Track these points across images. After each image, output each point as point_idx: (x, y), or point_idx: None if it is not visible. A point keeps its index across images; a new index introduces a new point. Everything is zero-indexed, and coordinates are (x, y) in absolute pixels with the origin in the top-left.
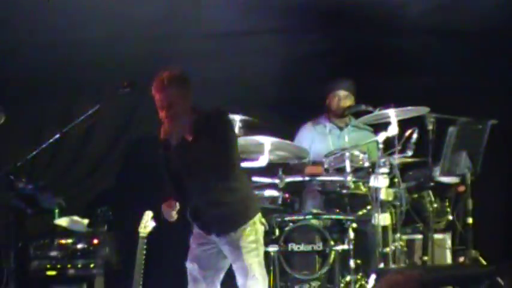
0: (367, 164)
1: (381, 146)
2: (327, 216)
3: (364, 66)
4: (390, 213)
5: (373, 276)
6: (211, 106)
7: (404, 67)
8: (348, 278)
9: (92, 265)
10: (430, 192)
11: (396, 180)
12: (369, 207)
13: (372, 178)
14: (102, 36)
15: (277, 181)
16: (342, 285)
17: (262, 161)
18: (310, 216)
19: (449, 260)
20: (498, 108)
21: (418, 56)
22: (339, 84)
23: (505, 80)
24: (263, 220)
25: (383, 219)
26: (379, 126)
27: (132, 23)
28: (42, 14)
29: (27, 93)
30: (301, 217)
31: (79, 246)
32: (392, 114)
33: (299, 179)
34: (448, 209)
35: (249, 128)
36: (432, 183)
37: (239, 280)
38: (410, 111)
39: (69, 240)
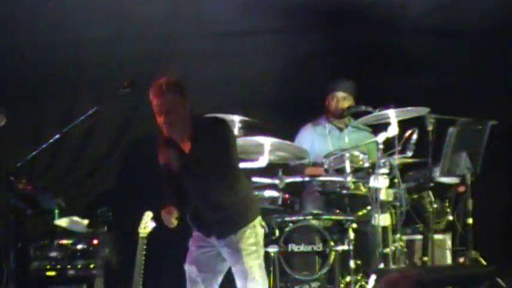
0: (367, 165)
1: (380, 146)
2: (327, 217)
3: (364, 66)
4: (390, 213)
5: (373, 277)
6: (209, 113)
7: (405, 67)
8: (348, 279)
9: (91, 266)
10: (430, 193)
11: (396, 180)
12: (368, 207)
13: (372, 179)
14: (102, 36)
15: (277, 182)
16: (342, 285)
17: (262, 162)
18: (310, 217)
19: (449, 260)
20: (498, 108)
21: (419, 56)
22: (337, 85)
23: (505, 80)
24: (263, 223)
25: (383, 219)
26: (379, 127)
27: (132, 23)
28: (42, 14)
29: (27, 94)
30: (301, 218)
31: (79, 246)
32: (392, 115)
33: (299, 179)
34: (448, 210)
35: (249, 129)
36: (432, 184)
37: (239, 283)
38: (410, 112)
39: (69, 241)
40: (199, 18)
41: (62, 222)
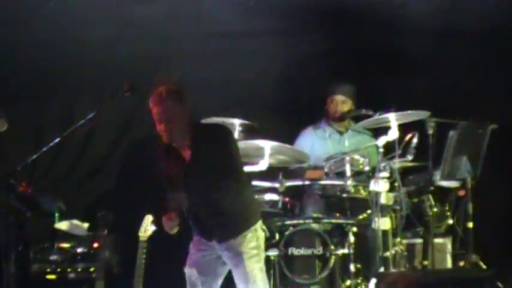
0: (367, 168)
1: (381, 150)
2: (327, 221)
3: (365, 68)
4: (390, 217)
5: (373, 281)
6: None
7: (406, 69)
8: (348, 282)
9: (92, 269)
10: (430, 197)
11: (396, 184)
12: (369, 211)
13: (372, 182)
14: (102, 37)
15: (277, 185)
16: None
17: (262, 165)
18: (311, 221)
19: (449, 264)
20: (499, 111)
21: (420, 57)
22: (336, 88)
23: (505, 83)
24: (263, 226)
25: (383, 223)
26: (380, 131)
27: (132, 24)
28: (43, 15)
29: (27, 94)
30: (301, 221)
31: (79, 250)
32: (393, 119)
33: (299, 183)
34: (448, 213)
35: (249, 132)
36: (432, 188)
37: (240, 286)
38: (411, 116)
39: (70, 244)
40: (199, 18)
41: (62, 225)
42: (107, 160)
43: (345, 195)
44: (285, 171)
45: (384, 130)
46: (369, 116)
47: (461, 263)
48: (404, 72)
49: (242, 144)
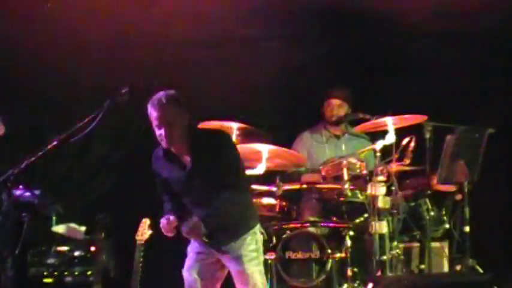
0: (364, 172)
1: (378, 154)
2: (324, 224)
3: (362, 72)
4: (387, 221)
5: (370, 285)
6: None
7: (403, 73)
8: (345, 286)
9: (89, 272)
10: (428, 201)
11: (393, 188)
12: (366, 215)
13: (369, 186)
14: (102, 41)
15: (274, 189)
16: None
17: (259, 169)
18: (308, 224)
19: (446, 268)
20: (496, 115)
21: (417, 62)
22: (332, 92)
23: (503, 87)
24: (262, 230)
25: (380, 227)
26: (377, 135)
27: (133, 29)
28: (42, 19)
29: (25, 98)
30: (298, 225)
31: (76, 253)
32: (390, 123)
33: (296, 186)
34: (445, 217)
35: (247, 136)
36: (429, 192)
37: None
38: (408, 120)
39: (67, 248)
40: (198, 24)
41: (60, 228)
42: (104, 164)
43: (342, 199)
44: (282, 175)
45: (381, 134)
46: (366, 120)
47: (458, 267)
48: (401, 76)
49: (239, 148)
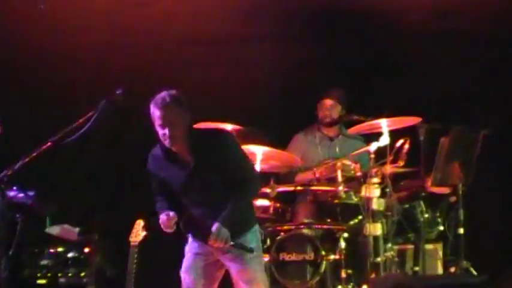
0: (358, 174)
1: (372, 155)
2: (319, 226)
3: (357, 74)
4: (382, 223)
5: (364, 287)
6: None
7: (397, 75)
8: None
9: (83, 274)
10: (422, 203)
11: (388, 190)
12: (360, 217)
13: (364, 188)
14: (98, 42)
15: (268, 190)
16: None
17: None
18: (302, 226)
19: (440, 270)
20: (490, 117)
21: (411, 64)
22: (325, 93)
23: (496, 89)
24: (261, 229)
25: (374, 229)
26: (371, 136)
27: (129, 30)
28: (37, 21)
29: (21, 100)
30: (292, 227)
31: (70, 254)
32: (384, 124)
33: (291, 188)
34: (440, 219)
35: (241, 137)
36: (424, 194)
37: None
38: (402, 121)
39: (61, 249)
40: (194, 25)
41: (53, 230)
42: (99, 166)
43: (336, 200)
44: (276, 176)
45: (375, 136)
46: (361, 122)
47: (452, 269)
48: (396, 78)
49: None
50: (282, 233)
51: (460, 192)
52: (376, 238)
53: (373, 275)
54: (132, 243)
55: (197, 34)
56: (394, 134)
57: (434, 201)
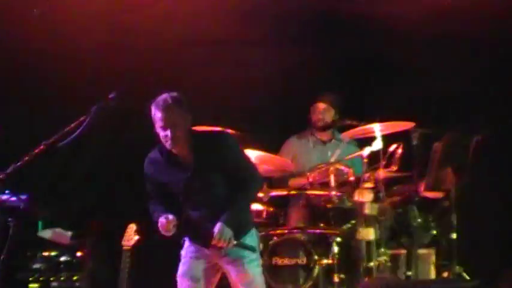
0: (351, 179)
1: (365, 160)
2: (312, 231)
3: (350, 78)
4: (374, 227)
5: None
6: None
7: (391, 80)
8: None
9: (75, 277)
10: (415, 207)
11: (381, 194)
12: (353, 221)
13: (357, 192)
14: (95, 45)
15: (261, 195)
16: None
17: None
18: (295, 230)
19: (433, 275)
20: (484, 122)
21: (405, 68)
22: (319, 97)
23: (489, 94)
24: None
25: (367, 233)
26: (364, 141)
27: (126, 32)
28: (34, 24)
29: (17, 103)
30: (285, 231)
31: (63, 258)
32: (377, 129)
33: (283, 192)
34: (433, 224)
35: None
36: (417, 198)
37: None
38: (396, 126)
39: (53, 253)
40: (193, 26)
41: (46, 233)
42: (93, 169)
43: (329, 205)
44: (269, 180)
45: (368, 140)
46: (354, 126)
47: (445, 274)
48: (389, 83)
49: None
50: (275, 238)
51: (453, 197)
52: (369, 243)
53: (365, 280)
54: (124, 247)
55: (195, 35)
56: (387, 139)
57: (427, 206)
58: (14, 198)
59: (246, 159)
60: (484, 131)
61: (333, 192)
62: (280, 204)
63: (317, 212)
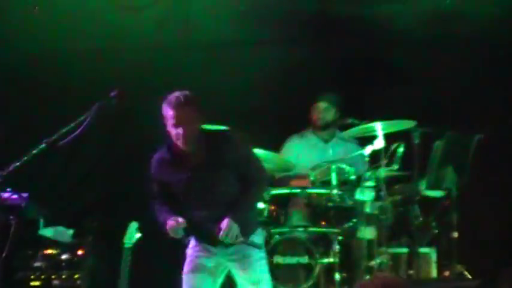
0: (353, 177)
1: (367, 159)
2: (313, 229)
3: (352, 77)
4: (376, 226)
5: None
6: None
7: (392, 79)
8: None
9: (76, 276)
10: (416, 206)
11: (382, 193)
12: (354, 220)
13: (358, 191)
14: (91, 46)
15: None
16: None
17: None
18: (296, 229)
19: (434, 274)
20: (484, 121)
21: (406, 68)
22: (319, 96)
23: (490, 93)
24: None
25: (368, 232)
26: (366, 140)
27: (123, 33)
28: (32, 24)
29: (16, 102)
30: (286, 230)
31: (64, 257)
32: (379, 128)
33: (285, 191)
34: (434, 223)
35: None
36: (418, 197)
37: None
38: (397, 125)
39: (54, 251)
40: (187, 28)
41: (47, 232)
42: (93, 168)
43: (330, 204)
44: (270, 179)
45: (370, 139)
46: (356, 125)
47: (446, 273)
48: (390, 82)
49: None
50: (276, 236)
51: (454, 196)
52: (370, 242)
53: (367, 278)
54: (125, 246)
55: (195, 35)
56: (389, 138)
57: (429, 205)
58: (15, 197)
59: (256, 158)
60: (484, 131)
61: (334, 191)
62: (281, 203)
63: (318, 210)
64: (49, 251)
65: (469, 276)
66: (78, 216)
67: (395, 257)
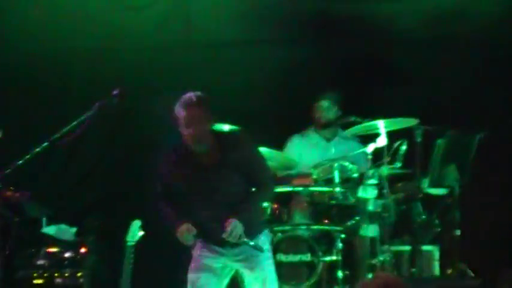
0: (355, 175)
1: (369, 157)
2: (315, 227)
3: (354, 76)
4: (378, 224)
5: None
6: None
7: (394, 77)
8: None
9: (79, 274)
10: (419, 204)
11: (385, 191)
12: (357, 218)
13: (361, 189)
14: (92, 45)
15: None
16: None
17: None
18: (299, 227)
19: (437, 272)
20: (487, 119)
21: (408, 66)
22: (321, 95)
23: (492, 91)
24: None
25: (371, 230)
26: (368, 138)
27: (123, 33)
28: (32, 24)
29: (17, 101)
30: (289, 228)
31: (66, 255)
32: (381, 126)
33: (287, 189)
34: (436, 221)
35: None
36: (421, 195)
37: None
38: (399, 123)
39: (57, 249)
40: (187, 28)
41: (50, 230)
42: (95, 166)
43: (333, 202)
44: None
45: (372, 137)
46: (358, 123)
47: (449, 271)
48: (393, 80)
49: None
50: (279, 234)
51: (457, 194)
52: (372, 239)
53: (369, 276)
54: (128, 244)
55: (196, 36)
56: (391, 136)
57: (431, 202)
58: (17, 195)
59: (264, 159)
60: (485, 130)
61: (337, 189)
62: (284, 201)
63: (321, 208)
64: (52, 249)
65: (472, 274)
66: (79, 215)
67: (397, 255)
